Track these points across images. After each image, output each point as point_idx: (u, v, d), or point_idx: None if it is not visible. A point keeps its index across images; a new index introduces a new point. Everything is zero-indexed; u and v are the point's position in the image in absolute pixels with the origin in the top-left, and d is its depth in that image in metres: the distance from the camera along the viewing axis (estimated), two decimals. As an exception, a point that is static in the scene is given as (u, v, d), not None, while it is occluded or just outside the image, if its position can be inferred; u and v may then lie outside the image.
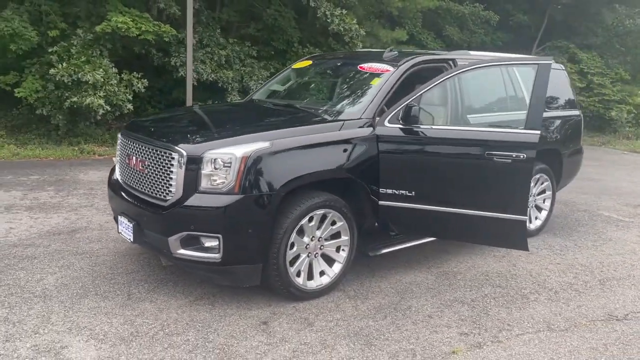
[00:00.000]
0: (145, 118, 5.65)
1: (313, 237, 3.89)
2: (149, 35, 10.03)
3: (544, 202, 5.88)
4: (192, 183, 3.52)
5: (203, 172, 3.50)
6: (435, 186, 4.14)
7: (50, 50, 9.67)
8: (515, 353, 3.34)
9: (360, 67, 4.72)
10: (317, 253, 3.96)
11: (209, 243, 3.53)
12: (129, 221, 3.87)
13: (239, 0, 12.68)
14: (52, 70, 9.26)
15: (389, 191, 4.16)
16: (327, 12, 11.65)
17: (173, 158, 3.59)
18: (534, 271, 4.77)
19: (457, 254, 5.04)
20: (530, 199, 5.68)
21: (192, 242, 3.56)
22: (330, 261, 4.06)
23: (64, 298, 3.75)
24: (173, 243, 3.58)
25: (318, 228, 3.92)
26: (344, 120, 4.09)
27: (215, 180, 3.49)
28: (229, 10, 12.82)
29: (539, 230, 5.83)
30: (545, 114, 5.46)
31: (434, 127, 4.11)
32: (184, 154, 3.54)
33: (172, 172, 3.60)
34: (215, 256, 3.52)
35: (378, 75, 4.51)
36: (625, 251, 5.45)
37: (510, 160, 3.92)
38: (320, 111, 4.42)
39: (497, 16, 15.28)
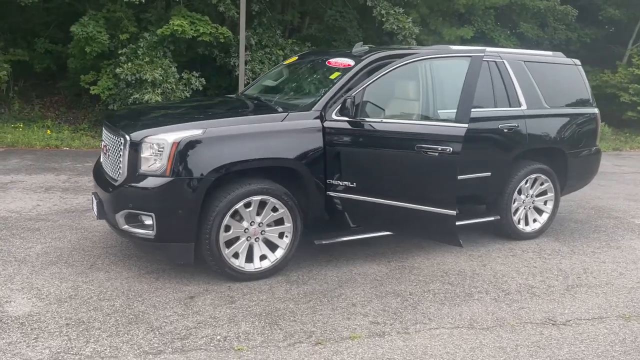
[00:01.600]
0: (120, 110, 6.22)
1: (252, 222, 4.11)
2: (206, 37, 10.76)
3: (545, 204, 5.58)
4: (134, 165, 3.91)
5: (142, 155, 3.87)
6: (374, 178, 4.19)
7: (120, 51, 10.70)
8: (414, 344, 3.34)
9: (328, 62, 4.85)
10: (257, 237, 4.16)
11: (146, 221, 3.89)
12: (95, 199, 4.35)
13: (302, 1, 13.09)
14: (118, 70, 10.26)
15: (335, 182, 4.28)
16: (383, 11, 11.69)
17: (122, 143, 4.00)
18: (500, 272, 4.60)
19: (430, 251, 4.99)
20: (527, 199, 5.44)
21: (133, 219, 3.94)
22: (273, 246, 4.25)
23: (36, 263, 4.30)
24: (119, 219, 3.99)
25: (258, 214, 4.13)
26: (289, 111, 4.26)
27: (151, 164, 3.85)
28: (294, 11, 13.29)
29: (538, 233, 5.55)
30: (544, 111, 5.26)
31: (368, 120, 4.16)
32: (128, 139, 3.93)
33: (121, 155, 4.01)
34: (150, 233, 3.88)
35: (339, 69, 4.62)
36: (625, 260, 5.04)
37: (437, 154, 3.88)
38: (274, 103, 4.61)
39: (575, 11, 14.28)
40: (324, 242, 4.40)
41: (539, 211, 5.59)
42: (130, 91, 10.38)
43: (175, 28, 10.19)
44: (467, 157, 4.81)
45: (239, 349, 3.19)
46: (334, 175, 4.27)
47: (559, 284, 4.41)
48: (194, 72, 11.08)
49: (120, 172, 4.01)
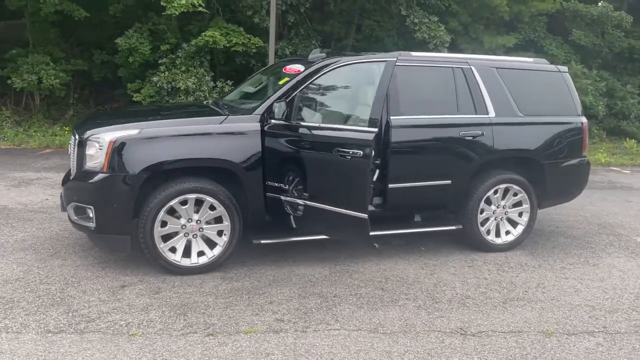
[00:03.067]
0: (92, 114, 6.69)
1: (190, 219, 4.34)
2: (239, 47, 11.24)
3: (520, 216, 5.37)
4: (81, 162, 4.28)
5: (87, 153, 4.23)
6: (302, 181, 4.28)
7: (160, 61, 11.42)
8: (302, 343, 3.40)
9: (284, 69, 5.01)
10: (196, 234, 4.38)
11: (88, 213, 4.23)
12: (61, 194, 4.77)
13: (340, 12, 13.27)
14: (155, 78, 10.96)
15: (272, 184, 4.42)
16: (416, 20, 11.64)
17: (74, 141, 4.39)
18: (444, 281, 4.52)
19: (385, 257, 4.97)
20: (499, 210, 5.27)
21: (81, 212, 4.30)
22: (212, 243, 4.45)
23: (7, 248, 4.78)
24: (70, 211, 4.37)
25: (197, 212, 4.35)
26: (228, 115, 4.47)
27: (95, 161, 4.19)
28: (333, 22, 13.51)
29: (511, 245, 5.35)
30: (516, 119, 5.13)
31: (297, 124, 4.31)
32: (77, 138, 4.31)
33: (73, 152, 4.40)
34: (91, 225, 4.21)
35: (289, 75, 4.76)
36: (592, 278, 4.76)
37: (349, 158, 3.91)
38: (226, 108, 4.81)
39: (629, 17, 13.37)
40: (262, 242, 4.54)
41: (514, 223, 5.39)
42: (167, 98, 11.04)
43: (207, 39, 10.71)
44: (424, 164, 4.83)
45: (132, 334, 3.41)
46: (271, 177, 4.41)
47: (499, 296, 4.27)
48: (228, 80, 11.58)
49: (73, 167, 4.39)
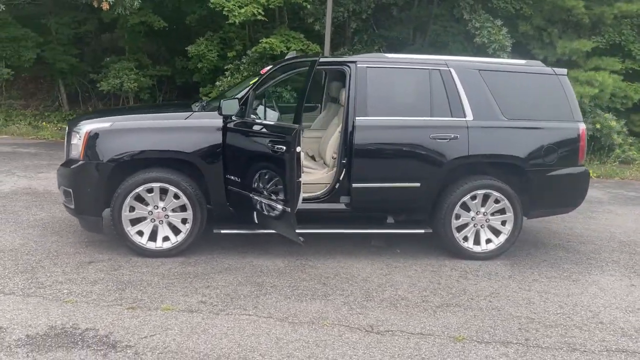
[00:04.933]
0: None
1: (156, 206, 4.76)
2: (297, 53, 11.66)
3: (503, 224, 5.14)
4: (69, 150, 4.87)
5: (72, 142, 4.82)
6: (249, 174, 4.51)
7: (226, 67, 12.20)
8: (204, 323, 3.63)
9: (262, 71, 5.27)
10: (162, 220, 4.79)
11: (71, 196, 4.81)
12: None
13: (409, 17, 13.21)
14: (217, 83, 11.74)
15: (229, 177, 4.72)
16: (477, 24, 11.32)
17: (66, 133, 5.01)
18: (393, 283, 4.50)
19: (351, 256, 5.03)
20: (479, 217, 5.11)
21: (66, 194, 4.90)
22: (176, 230, 4.84)
23: (22, 224, 5.53)
24: (61, 193, 4.99)
25: (163, 200, 4.76)
26: (194, 111, 4.83)
27: (76, 149, 4.76)
28: (400, 28, 13.51)
29: (492, 254, 5.14)
30: (497, 123, 5.00)
31: (247, 120, 4.54)
32: (67, 129, 4.92)
33: (65, 142, 5.02)
34: (72, 206, 4.78)
35: (260, 75, 5.03)
36: (559, 294, 4.47)
37: (278, 153, 4.10)
38: (203, 105, 5.16)
39: None
40: (222, 232, 4.84)
41: (496, 232, 5.17)
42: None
43: (264, 45, 11.27)
44: (390, 165, 4.87)
45: (66, 301, 3.86)
46: (230, 171, 4.70)
47: (437, 301, 4.18)
48: (288, 86, 12.06)
49: (64, 156, 5.01)
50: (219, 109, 4.61)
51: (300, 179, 4.18)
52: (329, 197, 4.98)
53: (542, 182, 5.10)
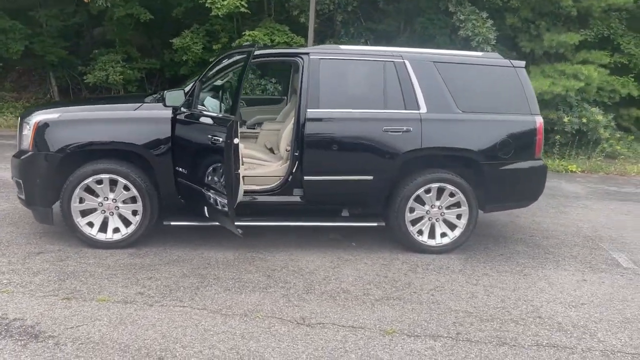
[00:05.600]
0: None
1: (106, 197, 4.75)
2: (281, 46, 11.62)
3: (458, 218, 5.10)
4: (20, 141, 4.88)
5: (23, 133, 4.82)
6: (196, 167, 4.51)
7: (210, 59, 12.15)
8: (135, 314, 3.63)
9: (219, 62, 5.24)
10: (112, 212, 4.79)
11: (21, 187, 4.81)
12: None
13: (398, 9, 13.10)
14: (201, 75, 11.70)
15: (178, 169, 4.71)
16: (462, 17, 11.22)
17: (18, 123, 5.01)
18: (339, 275, 4.48)
19: (305, 249, 5.01)
20: (434, 210, 5.07)
21: (19, 185, 4.91)
22: (127, 222, 4.83)
23: (-19, 216, 5.56)
24: (15, 184, 5.00)
25: (112, 191, 4.76)
26: (143, 102, 4.81)
27: (26, 140, 4.76)
28: (389, 20, 13.41)
29: (447, 248, 5.10)
30: (451, 116, 4.96)
31: (190, 111, 4.52)
32: (19, 120, 4.92)
33: (17, 133, 5.03)
34: (22, 197, 4.79)
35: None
36: (506, 288, 4.43)
37: (216, 144, 4.09)
38: (156, 97, 5.13)
39: None
40: (172, 224, 4.84)
41: (452, 225, 5.13)
42: (212, 94, 11.74)
43: (247, 38, 11.22)
44: (342, 158, 4.84)
45: (2, 291, 3.87)
46: (179, 163, 4.69)
47: (378, 294, 4.15)
48: (273, 78, 12.03)
49: (16, 146, 5.02)
50: (163, 100, 4.59)
51: (238, 171, 4.15)
52: (282, 190, 4.96)
53: (497, 176, 5.05)
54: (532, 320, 3.83)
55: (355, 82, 5.04)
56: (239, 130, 5.89)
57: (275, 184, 4.99)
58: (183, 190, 4.74)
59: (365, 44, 12.64)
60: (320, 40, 12.66)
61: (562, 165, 10.36)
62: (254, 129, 6.29)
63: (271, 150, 5.73)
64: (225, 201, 4.17)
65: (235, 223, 4.46)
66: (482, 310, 3.96)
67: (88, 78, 12.63)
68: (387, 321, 3.72)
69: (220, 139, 4.10)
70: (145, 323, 3.52)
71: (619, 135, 11.90)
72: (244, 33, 11.43)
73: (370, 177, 4.91)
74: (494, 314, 3.89)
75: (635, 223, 6.60)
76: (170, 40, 12.30)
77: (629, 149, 11.74)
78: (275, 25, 11.99)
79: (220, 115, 4.25)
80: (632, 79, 12.02)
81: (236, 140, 4.05)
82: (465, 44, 11.19)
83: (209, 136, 4.25)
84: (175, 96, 4.51)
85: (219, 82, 4.81)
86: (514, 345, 3.46)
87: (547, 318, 3.87)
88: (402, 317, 3.79)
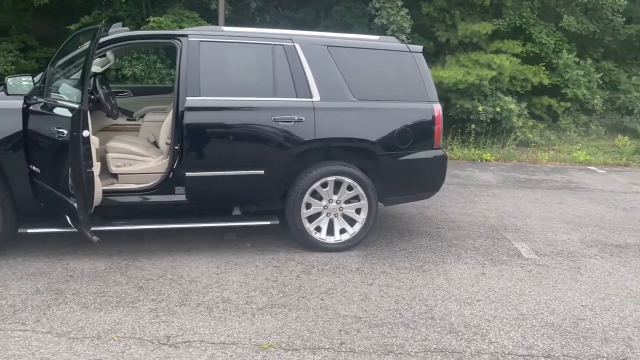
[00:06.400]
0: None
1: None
2: (190, 33, 10.95)
3: (358, 213, 4.77)
4: None
5: None
6: (48, 164, 3.92)
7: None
8: None
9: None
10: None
11: None
12: None
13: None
14: (103, 65, 10.85)
15: (32, 167, 4.09)
16: (377, 5, 10.99)
17: None
18: (222, 282, 4.04)
19: (193, 254, 4.54)
20: (332, 205, 4.71)
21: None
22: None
23: None
24: None
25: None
26: (13, 94, 4.10)
27: None
28: (307, 9, 13.02)
29: (347, 244, 4.76)
30: (346, 104, 4.58)
31: (47, 100, 3.94)
32: None
33: None
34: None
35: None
36: (402, 287, 4.14)
37: (61, 138, 3.56)
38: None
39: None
40: (28, 231, 4.21)
41: (351, 221, 4.80)
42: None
43: (152, 25, 10.49)
44: (228, 151, 4.39)
45: None
46: (33, 160, 4.07)
47: (263, 302, 3.74)
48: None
49: None
50: (4, 87, 3.95)
51: (92, 169, 3.60)
52: (162, 188, 4.46)
53: (396, 167, 4.77)
54: (423, 322, 3.54)
55: (241, 67, 4.62)
56: (121, 122, 5.36)
57: (155, 181, 4.47)
58: (40, 192, 4.12)
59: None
60: (233, 28, 12.09)
61: (477, 154, 10.37)
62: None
63: (155, 144, 5.18)
64: (76, 205, 3.60)
65: (107, 228, 3.91)
66: (373, 314, 3.63)
67: (-24, 68, 11.44)
68: (265, 334, 3.31)
69: (64, 132, 3.52)
70: (-30, 354, 2.94)
71: (531, 124, 12.11)
72: (148, 20, 10.67)
73: (261, 172, 4.49)
74: (385, 318, 3.58)
75: (541, 211, 6.56)
76: (67, 27, 11.33)
77: (541, 137, 11.96)
78: (185, 12, 11.30)
79: (66, 105, 3.66)
80: (544, 68, 12.23)
81: (86, 133, 3.49)
82: (382, 33, 10.95)
83: (54, 129, 3.66)
84: (18, 82, 3.88)
85: (73, 67, 4.19)
86: (400, 354, 3.15)
87: (440, 319, 3.60)
88: (283, 327, 3.40)
